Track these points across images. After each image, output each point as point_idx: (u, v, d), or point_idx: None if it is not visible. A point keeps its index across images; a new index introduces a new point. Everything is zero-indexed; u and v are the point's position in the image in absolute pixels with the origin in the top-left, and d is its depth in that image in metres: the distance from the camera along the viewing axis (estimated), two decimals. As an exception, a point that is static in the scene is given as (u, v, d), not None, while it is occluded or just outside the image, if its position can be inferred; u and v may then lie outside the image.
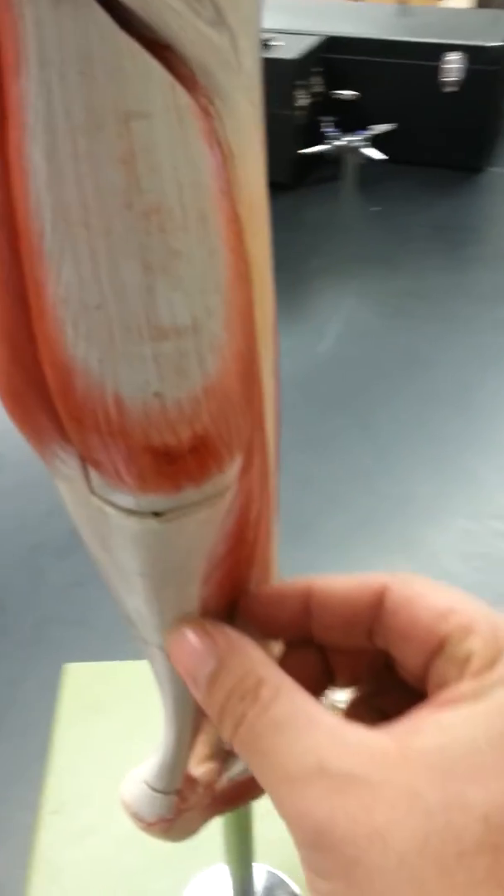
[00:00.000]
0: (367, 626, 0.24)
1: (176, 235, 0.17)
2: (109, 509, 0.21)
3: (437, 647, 0.22)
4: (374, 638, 0.24)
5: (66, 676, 0.61)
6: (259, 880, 0.48)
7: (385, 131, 2.38)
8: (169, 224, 0.17)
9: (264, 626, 0.25)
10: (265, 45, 2.20)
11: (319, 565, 0.87)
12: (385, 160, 2.30)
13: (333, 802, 0.19)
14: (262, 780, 0.21)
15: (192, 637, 0.23)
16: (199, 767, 0.32)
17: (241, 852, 0.41)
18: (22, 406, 0.20)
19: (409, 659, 0.23)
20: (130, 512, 0.21)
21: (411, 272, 1.71)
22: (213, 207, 0.18)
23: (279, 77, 2.21)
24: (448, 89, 2.41)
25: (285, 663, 0.25)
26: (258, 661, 0.23)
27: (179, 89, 0.17)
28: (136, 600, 0.24)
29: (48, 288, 0.17)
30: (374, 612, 0.24)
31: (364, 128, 2.38)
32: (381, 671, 0.25)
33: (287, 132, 2.29)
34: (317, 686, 0.25)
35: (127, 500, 0.21)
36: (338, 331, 1.37)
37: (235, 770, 0.32)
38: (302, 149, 2.32)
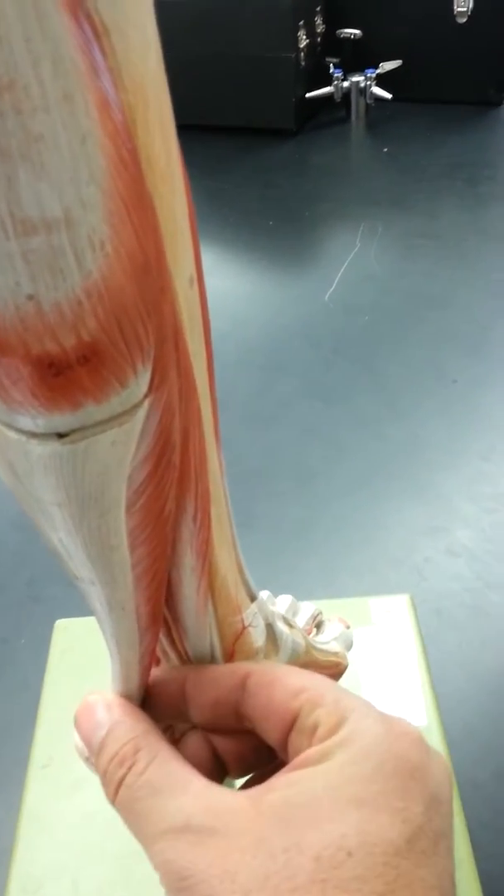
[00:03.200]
0: (234, 707, 0.27)
1: (35, 117, 0.16)
2: (11, 434, 0.20)
3: (291, 722, 0.25)
4: (241, 721, 0.27)
5: (56, 632, 0.61)
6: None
7: (392, 69, 2.30)
8: (25, 104, 0.15)
9: (152, 708, 0.28)
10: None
11: (328, 516, 0.85)
12: (394, 99, 2.23)
13: (195, 852, 0.22)
14: (138, 838, 0.24)
15: (91, 706, 0.27)
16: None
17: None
18: None
19: (271, 736, 0.26)
20: (32, 435, 0.20)
21: (423, 212, 1.66)
22: (80, 87, 0.16)
23: (278, 18, 2.14)
24: (459, 20, 2.31)
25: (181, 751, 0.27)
26: (140, 731, 0.26)
27: (26, -49, 0.15)
28: (58, 534, 0.23)
29: None
30: (238, 694, 0.27)
31: (370, 67, 2.30)
32: (266, 760, 0.28)
33: (289, 75, 2.23)
34: (212, 776, 0.27)
35: (26, 421, 0.19)
36: (346, 276, 1.34)
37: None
38: (306, 92, 2.25)
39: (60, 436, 0.20)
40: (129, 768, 0.25)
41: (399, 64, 2.34)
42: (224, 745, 0.29)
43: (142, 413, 0.20)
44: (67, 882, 0.48)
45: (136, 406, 0.20)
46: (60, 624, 0.62)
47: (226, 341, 1.19)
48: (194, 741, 0.29)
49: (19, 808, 0.50)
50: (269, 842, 0.21)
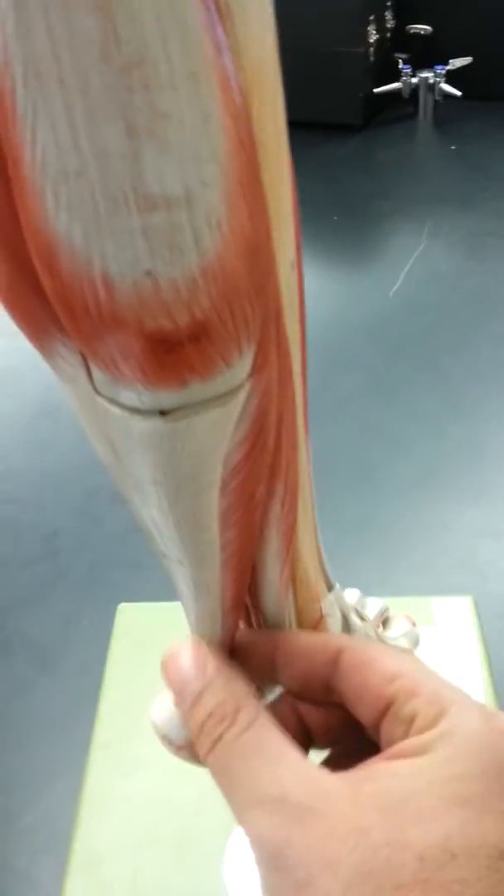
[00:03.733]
0: (324, 681, 0.27)
1: (162, 94, 0.16)
2: (115, 409, 0.20)
3: (386, 708, 0.25)
4: (332, 694, 0.27)
5: (119, 616, 0.62)
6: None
7: (462, 66, 2.27)
8: (154, 81, 0.16)
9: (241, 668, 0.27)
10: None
11: (386, 513, 0.84)
12: (463, 96, 2.20)
13: (292, 830, 0.22)
14: (230, 800, 0.24)
15: (186, 655, 0.27)
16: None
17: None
18: (17, 299, 0.19)
19: (363, 716, 0.26)
20: (135, 411, 0.20)
21: (489, 211, 1.63)
22: (205, 65, 0.16)
23: (348, 13, 2.12)
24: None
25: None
26: (241, 691, 0.25)
27: None
28: (151, 511, 0.23)
29: (25, 152, 0.16)
30: (330, 669, 0.26)
31: (440, 63, 2.27)
32: (353, 734, 0.27)
33: (357, 71, 2.21)
34: (297, 742, 0.26)
35: (130, 397, 0.20)
36: (410, 274, 1.32)
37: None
38: (374, 87, 2.24)
39: (163, 413, 0.20)
40: (228, 727, 0.24)
41: (469, 61, 2.31)
42: (312, 714, 0.29)
43: (243, 394, 0.21)
44: (127, 860, 0.48)
45: (239, 387, 0.20)
46: (123, 608, 0.63)
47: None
48: (282, 707, 0.29)
49: (81, 787, 0.51)
50: (371, 834, 0.21)
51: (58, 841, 0.52)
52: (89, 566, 0.81)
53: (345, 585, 0.76)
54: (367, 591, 0.74)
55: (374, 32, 2.19)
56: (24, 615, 0.77)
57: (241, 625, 0.30)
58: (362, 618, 0.36)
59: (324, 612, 0.30)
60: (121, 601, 0.64)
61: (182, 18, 0.16)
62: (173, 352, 0.18)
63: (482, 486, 0.89)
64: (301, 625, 0.29)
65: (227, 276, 0.18)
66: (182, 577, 0.25)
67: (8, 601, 0.78)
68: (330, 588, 0.31)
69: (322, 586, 0.30)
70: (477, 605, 0.65)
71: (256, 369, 0.21)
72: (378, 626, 0.43)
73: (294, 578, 0.28)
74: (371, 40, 2.18)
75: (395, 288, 1.28)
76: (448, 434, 0.96)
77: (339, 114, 2.22)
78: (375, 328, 1.17)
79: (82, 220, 0.16)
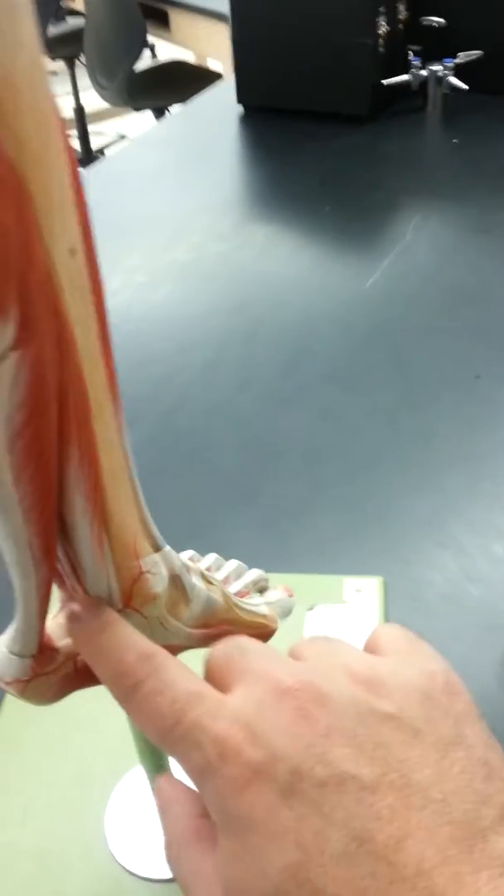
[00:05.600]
0: None
1: None
2: None
3: None
4: None
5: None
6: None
7: (470, 60, 2.27)
8: None
9: None
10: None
11: (327, 498, 0.87)
12: (475, 90, 2.20)
13: None
14: None
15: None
16: (64, 639, 0.34)
17: (153, 757, 0.44)
18: None
19: None
20: None
21: (480, 207, 1.64)
22: None
23: (359, 2, 2.13)
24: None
25: None
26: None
27: None
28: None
29: None
30: None
31: (450, 56, 2.28)
32: None
33: (366, 62, 2.22)
34: None
35: None
36: (390, 266, 1.34)
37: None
38: (382, 79, 2.25)
39: None
40: None
41: (479, 55, 2.30)
42: None
43: (8, 364, 0.24)
44: (20, 799, 0.52)
45: (1, 357, 0.23)
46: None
47: (262, 323, 1.21)
48: None
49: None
50: None
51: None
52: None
53: (275, 563, 0.79)
54: (293, 568, 0.77)
55: (385, 24, 2.19)
56: None
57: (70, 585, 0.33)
58: (209, 581, 0.38)
59: (143, 569, 0.33)
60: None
61: None
62: None
63: (424, 477, 0.92)
64: (120, 580, 0.32)
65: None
66: (-5, 525, 0.28)
67: None
68: (157, 549, 0.34)
69: (144, 547, 0.33)
70: (386, 586, 0.67)
71: (21, 343, 0.23)
72: (247, 595, 0.45)
73: (109, 536, 0.31)
74: (381, 31, 2.18)
75: (372, 279, 1.30)
76: (400, 425, 0.98)
77: (346, 105, 2.22)
78: (347, 318, 1.20)
79: None
